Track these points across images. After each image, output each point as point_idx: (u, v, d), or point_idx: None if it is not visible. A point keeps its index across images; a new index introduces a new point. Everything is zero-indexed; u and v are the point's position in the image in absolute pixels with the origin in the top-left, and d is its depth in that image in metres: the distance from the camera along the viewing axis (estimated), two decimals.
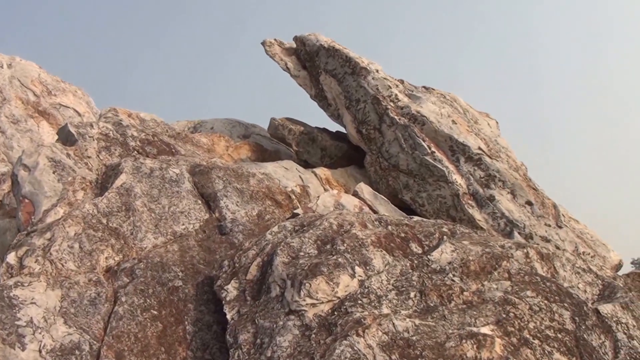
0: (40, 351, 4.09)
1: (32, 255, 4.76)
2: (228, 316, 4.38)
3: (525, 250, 4.93)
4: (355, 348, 3.72)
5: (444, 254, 4.69)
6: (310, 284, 4.19)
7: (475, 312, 4.20)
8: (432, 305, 4.26)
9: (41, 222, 5.39)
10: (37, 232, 5.09)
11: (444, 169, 7.43)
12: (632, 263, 14.71)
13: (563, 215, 7.49)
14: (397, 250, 4.74)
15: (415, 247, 4.86)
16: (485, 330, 4.01)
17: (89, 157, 6.46)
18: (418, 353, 3.76)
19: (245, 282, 4.58)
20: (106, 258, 5.04)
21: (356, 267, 4.42)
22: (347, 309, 4.08)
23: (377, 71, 8.42)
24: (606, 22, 68.06)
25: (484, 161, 7.53)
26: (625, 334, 4.42)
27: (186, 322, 4.68)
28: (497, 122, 8.87)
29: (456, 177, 7.40)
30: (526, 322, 4.19)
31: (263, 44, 9.34)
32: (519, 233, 7.04)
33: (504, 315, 4.18)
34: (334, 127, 9.22)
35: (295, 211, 6.08)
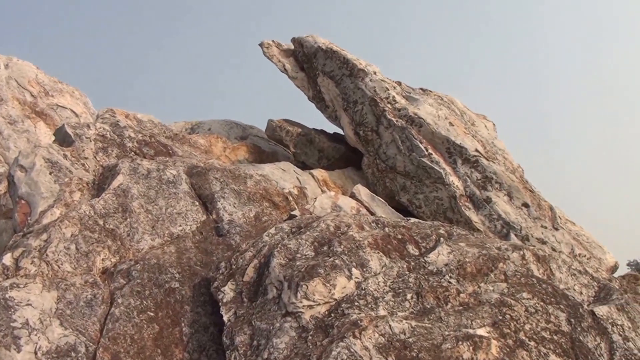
0: (35, 353, 4.07)
1: (28, 256, 4.75)
2: (225, 318, 4.37)
3: (521, 252, 4.94)
4: (352, 350, 3.72)
5: (440, 255, 4.70)
6: (307, 286, 4.19)
7: (471, 314, 4.21)
8: (428, 307, 4.26)
9: (37, 223, 5.38)
10: (33, 233, 5.08)
11: (441, 170, 7.44)
12: (628, 265, 14.76)
13: (559, 217, 7.51)
14: (393, 252, 4.75)
15: (412, 249, 4.86)
16: (482, 332, 4.02)
17: (86, 158, 6.45)
18: (414, 355, 3.77)
19: (242, 283, 4.58)
20: (102, 259, 5.03)
21: (353, 269, 4.43)
22: (343, 311, 4.09)
23: (375, 73, 8.44)
24: (610, 22, 68.29)
25: (480, 163, 7.54)
26: (620, 335, 4.44)
27: (183, 324, 4.67)
28: (494, 124, 8.89)
29: (453, 179, 7.42)
30: (522, 324, 4.20)
31: (261, 45, 9.35)
32: (516, 235, 7.06)
33: (500, 317, 4.19)
34: (331, 128, 9.25)
35: (292, 213, 6.08)
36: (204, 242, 5.60)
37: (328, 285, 4.24)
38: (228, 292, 4.55)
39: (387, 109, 7.99)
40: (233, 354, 4.05)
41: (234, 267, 4.76)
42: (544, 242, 7.06)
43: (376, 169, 7.98)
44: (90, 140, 6.73)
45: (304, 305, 4.13)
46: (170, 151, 7.24)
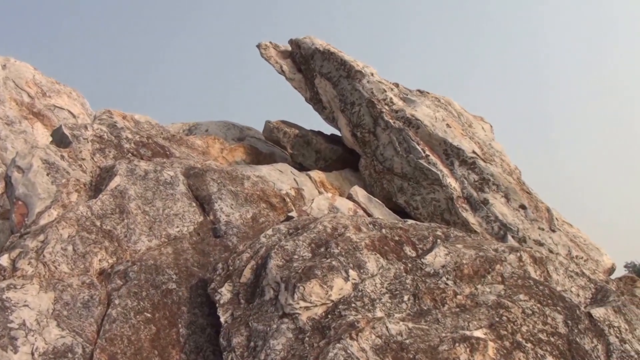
0: (32, 354, 4.07)
1: (25, 257, 4.74)
2: (222, 319, 4.37)
3: (518, 254, 4.95)
4: (349, 351, 3.72)
5: (437, 257, 4.71)
6: (304, 287, 4.19)
7: (468, 316, 4.21)
8: (425, 308, 4.27)
9: (34, 224, 5.37)
10: (30, 234, 5.07)
11: (438, 172, 7.45)
12: (625, 266, 14.79)
13: (556, 219, 7.53)
14: (391, 253, 4.75)
15: (409, 251, 4.87)
16: (479, 333, 4.02)
17: (83, 159, 6.45)
18: (411, 356, 3.77)
19: (239, 285, 4.58)
20: (100, 260, 5.02)
21: (350, 271, 4.43)
22: (340, 312, 4.09)
23: (372, 74, 8.45)
24: (611, 22, 68.43)
25: (478, 165, 7.56)
26: (617, 337, 4.45)
27: (180, 325, 4.67)
28: (491, 126, 8.91)
29: (450, 181, 7.43)
30: (519, 326, 4.21)
31: (258, 46, 9.36)
32: (513, 237, 7.07)
33: (497, 319, 4.20)
34: (328, 130, 9.25)
35: (289, 214, 6.08)
36: (201, 244, 5.60)
37: (325, 286, 4.24)
38: (225, 293, 4.54)
39: (384, 110, 8.00)
40: (230, 356, 4.05)
41: (231, 268, 4.75)
42: (541, 244, 7.07)
43: (373, 170, 7.99)
44: (88, 142, 6.72)
45: (301, 307, 4.13)
46: (168, 152, 7.24)
